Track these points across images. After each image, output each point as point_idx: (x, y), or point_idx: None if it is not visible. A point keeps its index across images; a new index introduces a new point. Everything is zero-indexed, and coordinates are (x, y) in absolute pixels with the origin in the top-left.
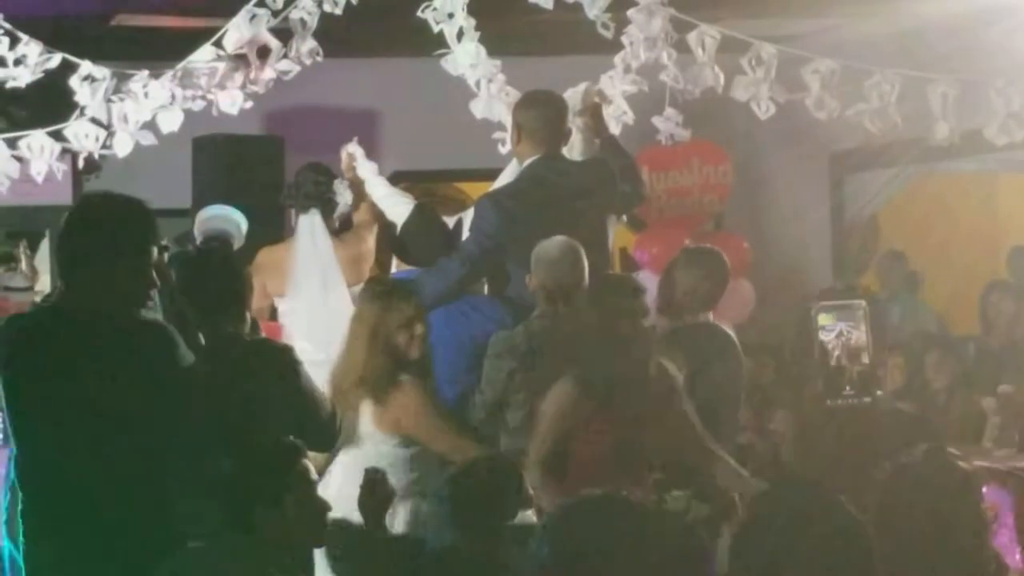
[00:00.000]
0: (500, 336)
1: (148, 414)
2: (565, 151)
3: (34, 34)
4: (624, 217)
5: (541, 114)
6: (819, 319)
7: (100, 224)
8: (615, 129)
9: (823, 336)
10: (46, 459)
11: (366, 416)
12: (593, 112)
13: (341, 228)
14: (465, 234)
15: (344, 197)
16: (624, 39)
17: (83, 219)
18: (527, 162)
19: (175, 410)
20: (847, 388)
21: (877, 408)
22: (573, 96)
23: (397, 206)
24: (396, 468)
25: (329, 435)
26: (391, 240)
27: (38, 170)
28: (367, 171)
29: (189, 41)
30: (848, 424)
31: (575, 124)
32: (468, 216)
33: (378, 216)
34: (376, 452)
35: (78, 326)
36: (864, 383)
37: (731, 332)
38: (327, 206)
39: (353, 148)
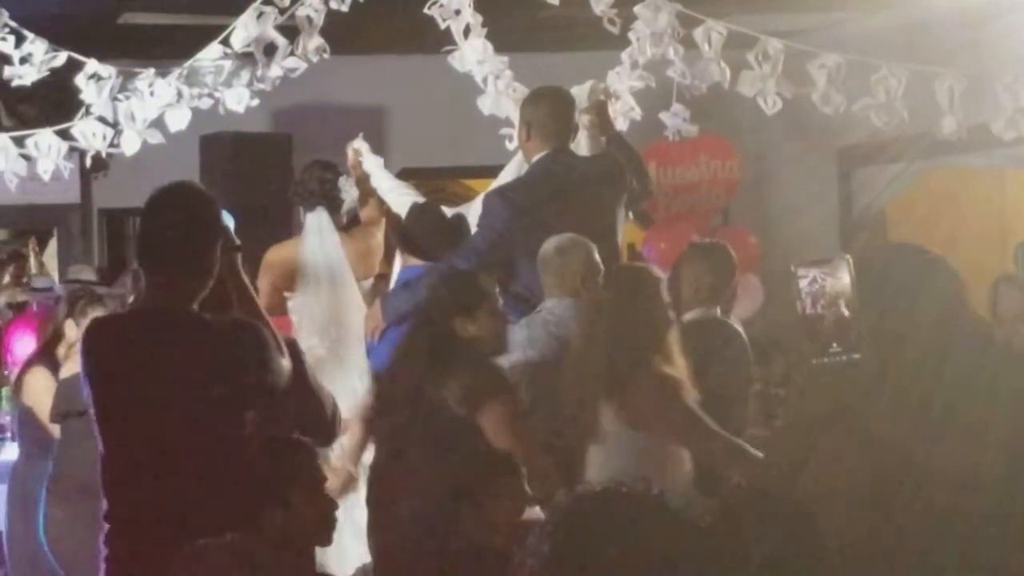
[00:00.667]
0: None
1: (241, 415)
2: (572, 147)
3: (40, 32)
4: (631, 213)
5: (549, 110)
6: (799, 274)
7: (194, 222)
8: (622, 125)
9: (799, 286)
10: (137, 463)
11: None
12: (599, 109)
13: (349, 224)
14: (471, 228)
15: (350, 194)
16: (631, 35)
17: (176, 216)
18: (535, 158)
19: (264, 409)
20: (833, 345)
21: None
22: (579, 93)
23: (402, 198)
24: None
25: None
26: (395, 234)
27: (45, 168)
28: (373, 165)
29: (196, 39)
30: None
31: (581, 121)
32: (471, 209)
33: (386, 211)
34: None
35: (173, 327)
36: (846, 336)
37: (739, 327)
38: (333, 203)
39: (359, 144)
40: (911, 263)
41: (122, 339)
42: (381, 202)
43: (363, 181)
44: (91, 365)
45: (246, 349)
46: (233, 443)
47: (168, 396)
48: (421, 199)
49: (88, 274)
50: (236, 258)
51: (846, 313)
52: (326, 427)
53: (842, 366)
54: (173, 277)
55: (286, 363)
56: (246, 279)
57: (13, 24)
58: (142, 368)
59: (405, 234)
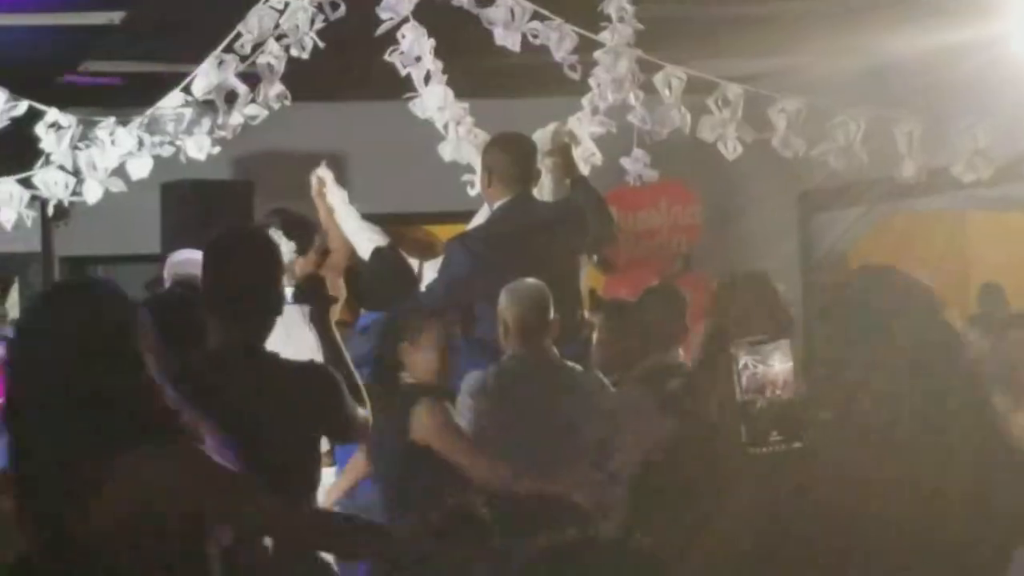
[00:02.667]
0: (470, 376)
1: (310, 456)
2: (535, 192)
3: (0, 81)
4: (595, 257)
5: (510, 156)
6: (738, 357)
7: (263, 263)
8: (584, 170)
9: (737, 369)
10: None
11: None
12: (563, 152)
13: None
14: (431, 276)
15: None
16: (591, 80)
17: (249, 259)
18: (497, 204)
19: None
20: (773, 433)
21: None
22: (542, 137)
23: (365, 242)
24: None
25: None
26: (352, 284)
27: (7, 217)
28: (337, 200)
29: (157, 87)
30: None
31: (545, 165)
32: (430, 265)
33: (348, 254)
34: None
35: (248, 367)
36: (787, 423)
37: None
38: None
39: (323, 172)
40: (889, 289)
41: (206, 378)
42: (344, 242)
43: (327, 215)
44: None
45: (320, 392)
46: (301, 481)
47: (246, 435)
48: (386, 240)
49: None
50: (328, 309)
51: (787, 399)
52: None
53: (782, 456)
54: (247, 317)
55: (364, 412)
56: (334, 329)
57: None
58: (226, 407)
59: (361, 283)
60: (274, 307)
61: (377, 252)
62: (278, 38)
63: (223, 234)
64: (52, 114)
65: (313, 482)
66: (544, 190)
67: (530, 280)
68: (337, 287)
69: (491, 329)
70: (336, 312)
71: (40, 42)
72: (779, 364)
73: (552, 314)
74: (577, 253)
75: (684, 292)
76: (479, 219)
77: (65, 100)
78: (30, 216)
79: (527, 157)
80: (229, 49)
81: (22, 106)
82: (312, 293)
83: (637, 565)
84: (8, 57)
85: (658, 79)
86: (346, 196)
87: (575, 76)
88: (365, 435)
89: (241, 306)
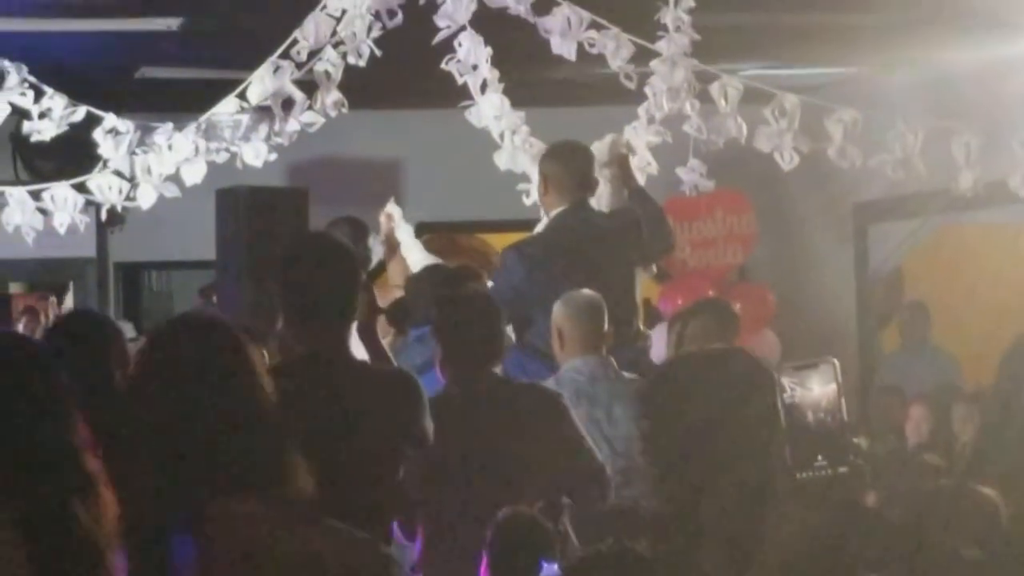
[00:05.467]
0: None
1: (395, 462)
2: (593, 202)
3: (58, 87)
4: (653, 268)
5: (568, 165)
6: (780, 381)
7: (349, 271)
8: (640, 180)
9: (785, 398)
10: None
11: None
12: (621, 163)
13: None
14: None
15: (377, 252)
16: (647, 90)
17: (330, 265)
18: (554, 213)
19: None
20: (819, 457)
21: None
22: (600, 147)
23: None
24: None
25: None
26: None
27: (61, 222)
28: (404, 233)
29: (213, 93)
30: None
31: (603, 175)
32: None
33: (408, 271)
34: None
35: (339, 376)
36: (831, 447)
37: None
38: (362, 262)
39: (391, 209)
40: None
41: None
42: (404, 263)
43: (392, 247)
44: None
45: (409, 400)
46: (385, 487)
47: (331, 442)
48: None
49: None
50: (376, 320)
51: (833, 422)
52: None
53: (827, 481)
54: (328, 324)
55: (430, 423)
56: (381, 340)
57: (32, 79)
58: (314, 414)
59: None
60: (352, 314)
61: (428, 268)
62: (335, 45)
63: (302, 241)
64: (110, 120)
65: (392, 504)
66: (602, 200)
67: (585, 291)
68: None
69: (545, 337)
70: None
71: (98, 48)
72: (822, 387)
73: (607, 325)
74: (633, 263)
75: (735, 306)
76: (540, 228)
77: (120, 105)
78: (84, 221)
79: (585, 166)
80: (285, 56)
81: (80, 112)
82: (361, 304)
83: None
84: (66, 63)
85: (714, 89)
86: (411, 230)
87: (631, 85)
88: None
89: (327, 313)
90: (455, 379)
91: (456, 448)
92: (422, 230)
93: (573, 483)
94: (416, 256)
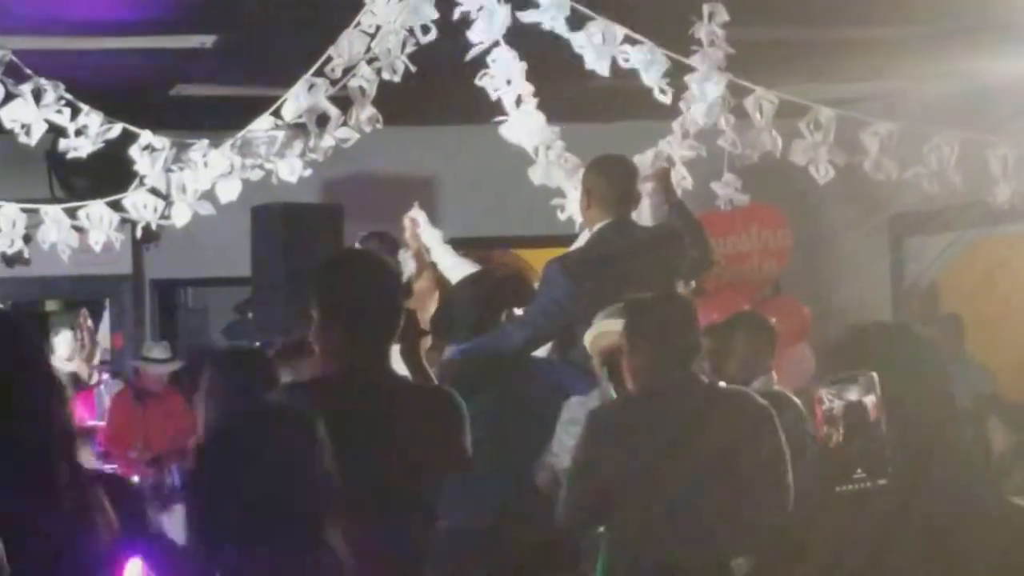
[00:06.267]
0: (573, 402)
1: (434, 484)
2: (634, 216)
3: (93, 104)
4: (692, 283)
5: (612, 179)
6: (821, 395)
7: (391, 288)
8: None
9: (822, 407)
10: None
11: None
12: (662, 177)
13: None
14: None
15: (408, 266)
16: (682, 104)
17: (375, 281)
18: (596, 227)
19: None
20: (858, 470)
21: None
22: (642, 161)
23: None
24: None
25: None
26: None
27: (97, 240)
28: (432, 239)
29: (248, 110)
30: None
31: (644, 189)
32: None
33: (439, 284)
34: None
35: (379, 391)
36: (871, 460)
37: (793, 398)
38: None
39: (415, 214)
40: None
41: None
42: (435, 274)
43: (420, 254)
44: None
45: (450, 417)
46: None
47: (371, 459)
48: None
49: (160, 352)
50: (419, 343)
51: (872, 435)
52: None
53: (866, 493)
54: (370, 339)
55: (469, 441)
56: (425, 362)
57: (68, 96)
58: (354, 430)
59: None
60: (396, 331)
61: (473, 276)
62: (370, 61)
63: (344, 257)
64: (146, 136)
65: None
66: (643, 214)
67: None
68: (424, 318)
69: (586, 354)
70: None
71: (134, 66)
72: (862, 399)
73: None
74: (675, 278)
75: (771, 321)
76: (579, 244)
77: (155, 123)
78: (119, 239)
79: (628, 180)
80: (320, 73)
81: (116, 129)
82: (404, 327)
83: None
84: (102, 80)
85: (749, 103)
86: (440, 235)
87: (666, 100)
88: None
89: (369, 329)
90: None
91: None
92: (456, 246)
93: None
94: (448, 261)
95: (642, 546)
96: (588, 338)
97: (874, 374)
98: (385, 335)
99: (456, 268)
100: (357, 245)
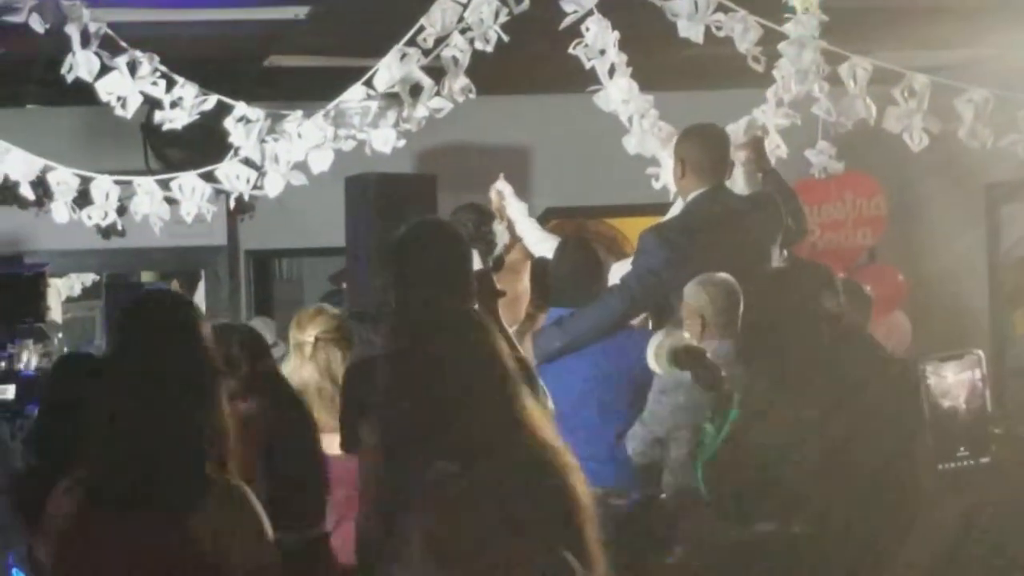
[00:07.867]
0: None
1: None
2: (728, 184)
3: (187, 76)
4: (785, 252)
5: (706, 148)
6: (926, 371)
7: (455, 251)
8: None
9: (927, 384)
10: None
11: None
12: (755, 145)
13: (494, 268)
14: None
15: (502, 238)
16: (775, 72)
17: (438, 247)
18: (691, 196)
19: None
20: (961, 448)
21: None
22: (735, 129)
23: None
24: None
25: None
26: (534, 283)
27: (188, 211)
28: (517, 212)
29: (341, 81)
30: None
31: (737, 157)
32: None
33: (531, 256)
34: None
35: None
36: (974, 438)
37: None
38: (487, 247)
39: (501, 185)
40: None
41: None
42: (526, 247)
43: (511, 225)
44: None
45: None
46: None
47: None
48: None
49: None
50: (497, 304)
51: (976, 413)
52: None
53: (970, 471)
54: (439, 304)
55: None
56: (504, 323)
57: (163, 68)
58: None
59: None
60: (469, 294)
61: (563, 245)
62: (462, 31)
63: (409, 226)
64: (240, 108)
65: None
66: (736, 183)
67: (723, 274)
68: (516, 288)
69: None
70: (522, 312)
71: (227, 37)
72: (966, 378)
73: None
74: (769, 246)
75: (866, 288)
76: (674, 212)
77: (249, 94)
78: (211, 210)
79: (721, 148)
80: (412, 43)
81: (211, 100)
82: (480, 288)
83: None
84: (196, 51)
85: (843, 70)
86: (525, 208)
87: (759, 68)
88: None
89: (437, 294)
90: None
91: None
92: (550, 215)
93: None
94: (533, 235)
95: None
96: (652, 347)
97: (980, 352)
98: (454, 299)
99: (540, 243)
100: (452, 215)
